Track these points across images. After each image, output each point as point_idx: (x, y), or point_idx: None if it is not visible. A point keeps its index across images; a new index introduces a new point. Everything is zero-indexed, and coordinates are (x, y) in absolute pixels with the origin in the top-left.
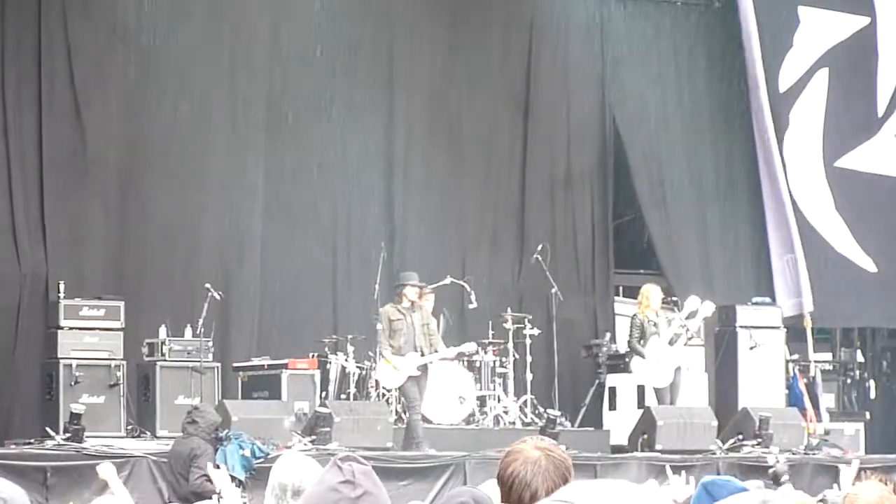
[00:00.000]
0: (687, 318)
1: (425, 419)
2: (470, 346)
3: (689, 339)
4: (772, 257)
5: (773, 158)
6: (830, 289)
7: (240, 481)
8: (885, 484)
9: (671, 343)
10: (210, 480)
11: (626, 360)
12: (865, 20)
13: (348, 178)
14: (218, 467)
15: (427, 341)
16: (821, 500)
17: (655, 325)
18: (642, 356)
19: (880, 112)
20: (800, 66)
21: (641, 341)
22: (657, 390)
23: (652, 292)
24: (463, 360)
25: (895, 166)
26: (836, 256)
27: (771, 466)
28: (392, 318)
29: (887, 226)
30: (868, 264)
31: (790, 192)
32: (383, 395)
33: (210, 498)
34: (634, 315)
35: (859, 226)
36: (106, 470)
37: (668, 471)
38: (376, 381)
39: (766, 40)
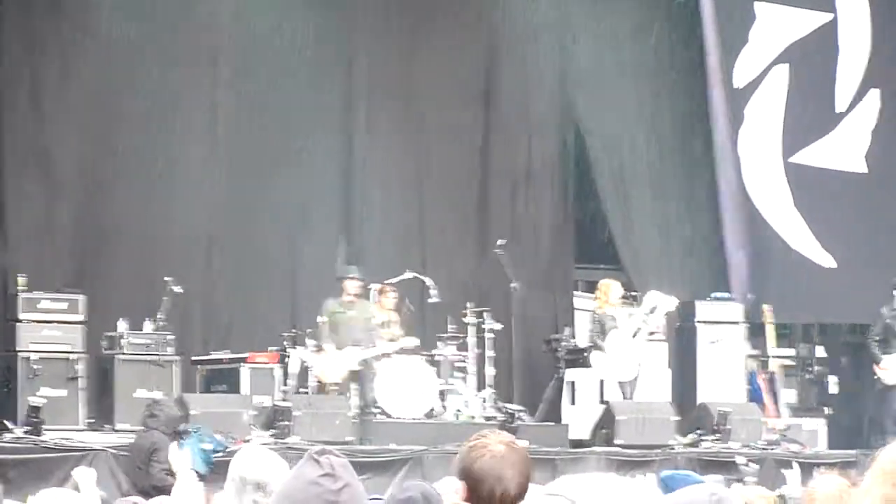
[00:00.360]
0: (648, 313)
1: (383, 412)
2: (410, 341)
3: (650, 334)
4: (727, 253)
5: (728, 154)
6: (789, 285)
7: (200, 475)
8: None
9: (634, 336)
10: (171, 474)
11: (586, 354)
12: (828, 16)
13: (308, 172)
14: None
15: (368, 336)
16: (779, 496)
17: (614, 318)
18: (603, 350)
19: (839, 108)
20: (757, 63)
21: (602, 337)
22: (622, 384)
23: (610, 287)
24: (422, 354)
25: (853, 162)
26: (793, 253)
27: (741, 465)
28: (333, 311)
29: (845, 221)
30: (827, 260)
31: (744, 188)
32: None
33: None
34: (594, 311)
35: (818, 221)
36: (82, 474)
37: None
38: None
39: (722, 35)
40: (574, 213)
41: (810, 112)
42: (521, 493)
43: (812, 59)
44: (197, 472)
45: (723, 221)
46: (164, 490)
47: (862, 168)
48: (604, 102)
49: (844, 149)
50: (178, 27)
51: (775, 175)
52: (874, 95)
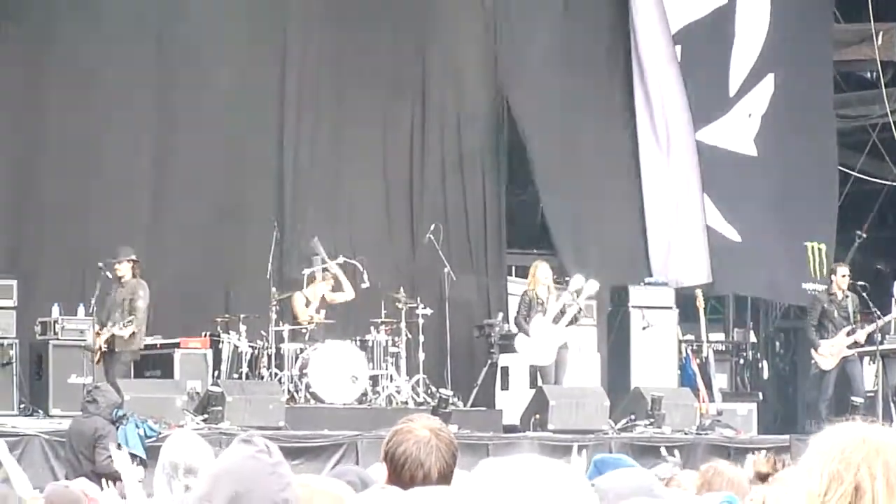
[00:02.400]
0: (572, 297)
1: (316, 398)
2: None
3: (576, 317)
4: (648, 234)
5: (647, 133)
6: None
7: (141, 459)
8: (775, 464)
9: (555, 321)
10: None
11: (514, 335)
12: (723, 0)
13: (240, 159)
14: (119, 447)
15: (122, 317)
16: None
17: (542, 303)
18: (527, 334)
19: (732, 92)
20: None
21: (528, 318)
22: (540, 368)
23: (540, 269)
24: (356, 341)
25: (744, 145)
26: (705, 227)
27: (663, 454)
28: (100, 291)
29: (744, 198)
30: (732, 234)
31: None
32: (275, 374)
33: (118, 478)
34: (524, 292)
35: (721, 196)
36: None
37: (575, 450)
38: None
39: (636, 17)
40: (506, 199)
41: (705, 94)
42: (444, 479)
43: (706, 42)
44: (138, 457)
45: (644, 203)
46: (111, 477)
47: (752, 151)
48: (535, 87)
49: (736, 131)
50: (111, 13)
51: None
52: (769, 80)
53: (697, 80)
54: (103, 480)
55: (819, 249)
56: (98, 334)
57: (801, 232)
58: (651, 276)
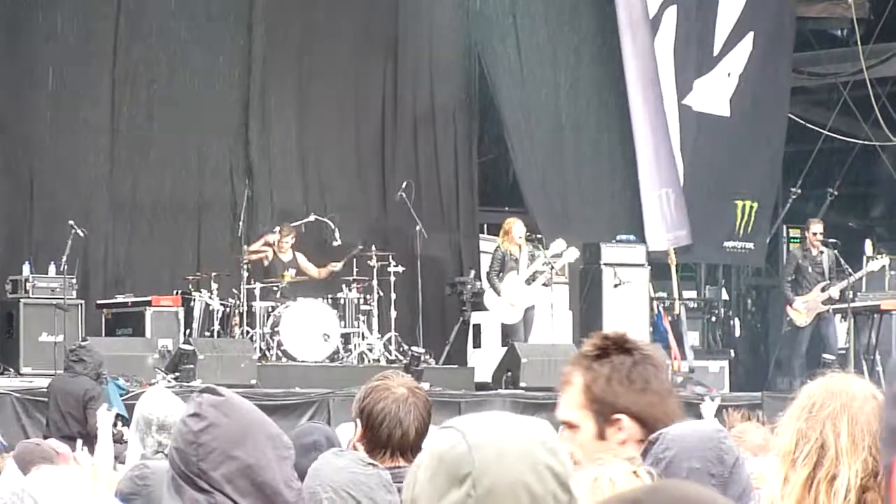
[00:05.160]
0: (549, 260)
1: (288, 356)
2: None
3: (550, 278)
4: (642, 192)
5: (641, 91)
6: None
7: (125, 419)
8: (749, 420)
9: (528, 282)
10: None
11: (483, 293)
12: None
13: (210, 116)
14: (109, 409)
15: None
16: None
17: (516, 260)
18: (497, 292)
19: (716, 51)
20: (653, 4)
21: (500, 275)
22: (507, 326)
23: (514, 226)
24: (327, 299)
25: (722, 106)
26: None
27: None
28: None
29: (697, 160)
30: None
31: (667, 124)
32: (247, 332)
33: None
34: (497, 248)
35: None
36: None
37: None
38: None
39: None
40: (478, 156)
41: (693, 55)
42: (420, 437)
43: (696, 2)
44: (122, 416)
45: (638, 160)
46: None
47: (725, 111)
48: (510, 41)
49: (715, 92)
50: None
51: (672, 117)
52: (748, 39)
53: (689, 41)
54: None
55: (751, 207)
56: None
57: (739, 190)
58: (634, 234)
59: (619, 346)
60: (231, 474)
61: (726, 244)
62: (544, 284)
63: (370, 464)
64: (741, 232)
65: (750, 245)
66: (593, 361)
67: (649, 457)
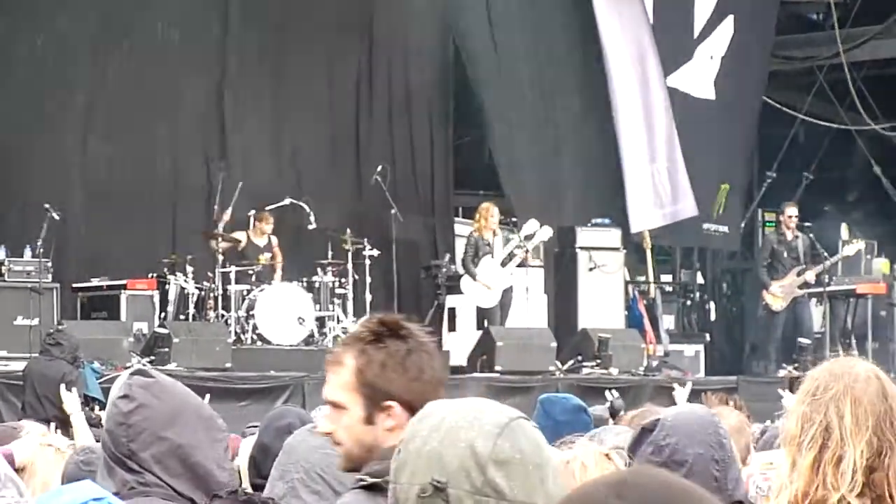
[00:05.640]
0: (522, 241)
1: (263, 339)
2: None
3: (524, 261)
4: (626, 169)
5: (639, 66)
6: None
7: (101, 402)
8: (727, 403)
9: (503, 264)
10: (86, 403)
11: (460, 276)
12: None
13: (185, 99)
14: (70, 390)
15: None
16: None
17: (490, 244)
18: (473, 276)
19: (696, 34)
20: None
21: (475, 260)
22: (484, 310)
23: (489, 211)
24: (302, 282)
25: (704, 88)
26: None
27: (608, 401)
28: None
29: (690, 144)
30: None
31: (662, 100)
32: (222, 316)
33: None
34: (470, 233)
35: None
36: None
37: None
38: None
39: None
40: (453, 139)
41: (672, 38)
42: None
43: None
44: (98, 400)
45: (622, 138)
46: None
47: (710, 94)
48: (485, 20)
49: (698, 74)
50: None
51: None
52: (728, 22)
53: (667, 23)
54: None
55: (724, 189)
56: None
57: (718, 173)
58: (609, 217)
59: (394, 332)
60: (161, 455)
61: (705, 226)
62: (519, 266)
63: None
64: (715, 215)
65: (724, 228)
66: (368, 345)
67: (648, 444)
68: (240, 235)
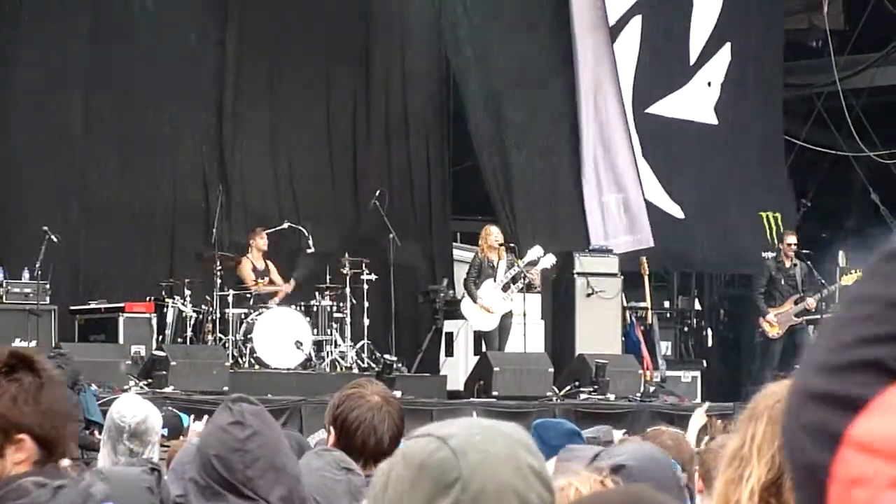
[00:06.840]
0: (525, 267)
1: (260, 363)
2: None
3: (525, 285)
4: (586, 200)
5: (590, 98)
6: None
7: (101, 426)
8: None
9: (504, 289)
10: (87, 428)
11: (460, 300)
12: None
13: (183, 122)
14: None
15: None
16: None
17: (494, 267)
18: (474, 298)
19: (692, 60)
20: (615, 11)
21: (477, 281)
22: (483, 334)
23: (491, 232)
24: (300, 306)
25: (705, 114)
26: (645, 202)
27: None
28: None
29: (693, 172)
30: (675, 210)
31: (625, 130)
32: (220, 339)
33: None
34: (475, 255)
35: (666, 173)
36: None
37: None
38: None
39: None
40: (452, 164)
41: (664, 64)
42: (394, 445)
43: (665, 12)
44: (98, 423)
45: (583, 167)
46: (91, 447)
47: (712, 120)
48: (481, 53)
49: (697, 101)
50: None
51: (626, 125)
52: (726, 49)
53: (659, 50)
54: None
55: (775, 218)
56: None
57: (755, 201)
58: (588, 242)
59: (27, 365)
60: (276, 482)
61: (764, 255)
62: (520, 291)
63: (345, 468)
64: (774, 243)
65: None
66: (0, 378)
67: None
68: (244, 264)
